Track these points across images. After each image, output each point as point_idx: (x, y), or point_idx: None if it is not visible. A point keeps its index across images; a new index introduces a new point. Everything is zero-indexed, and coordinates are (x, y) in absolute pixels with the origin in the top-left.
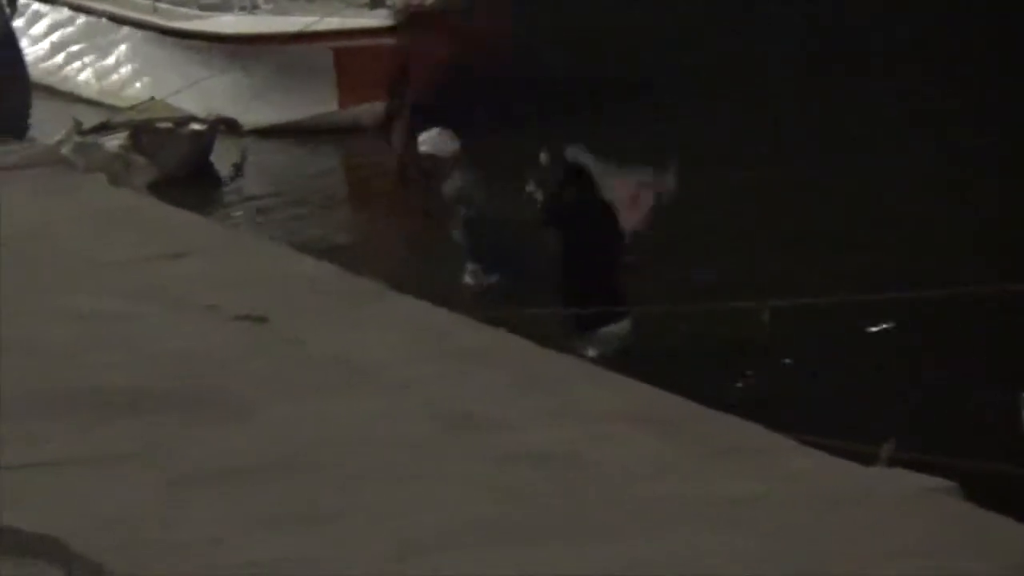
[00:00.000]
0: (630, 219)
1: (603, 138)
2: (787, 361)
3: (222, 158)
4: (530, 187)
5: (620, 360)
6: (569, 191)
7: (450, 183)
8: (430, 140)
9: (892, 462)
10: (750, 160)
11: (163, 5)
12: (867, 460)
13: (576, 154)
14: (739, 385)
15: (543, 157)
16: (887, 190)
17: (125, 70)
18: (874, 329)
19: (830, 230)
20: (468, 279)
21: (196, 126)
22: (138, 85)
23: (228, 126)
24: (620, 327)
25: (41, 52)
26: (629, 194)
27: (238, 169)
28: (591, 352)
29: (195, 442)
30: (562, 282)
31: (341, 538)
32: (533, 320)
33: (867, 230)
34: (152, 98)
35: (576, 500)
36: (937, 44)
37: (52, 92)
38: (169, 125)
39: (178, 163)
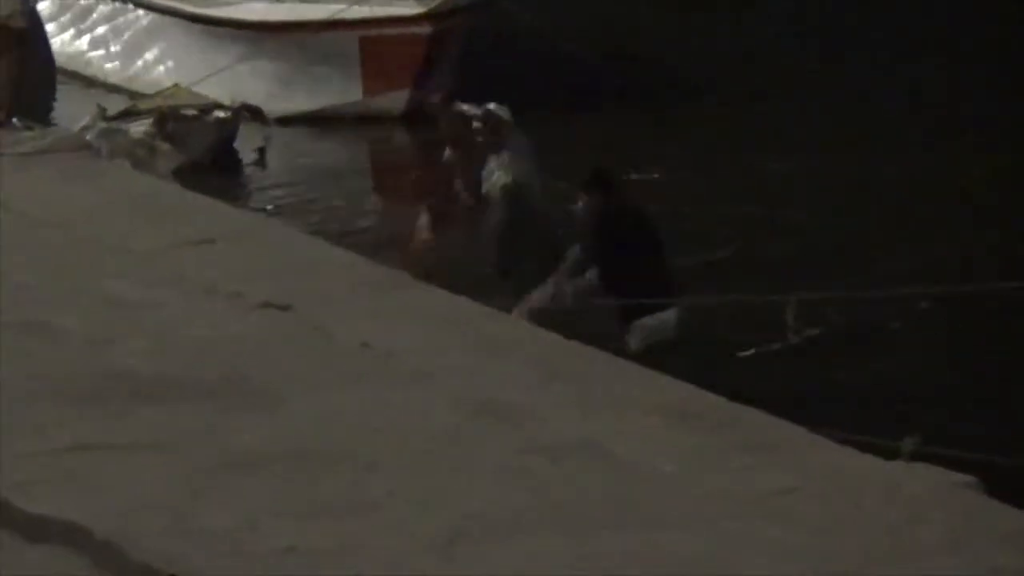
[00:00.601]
0: None
1: None
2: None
3: (246, 145)
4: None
5: (660, 352)
6: (595, 199)
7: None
8: (492, 107)
9: (915, 457)
10: None
11: None
12: (891, 455)
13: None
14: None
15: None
16: None
17: (151, 56)
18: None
19: None
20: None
21: (220, 113)
22: (163, 71)
23: (252, 113)
24: (665, 317)
25: (67, 37)
26: None
27: (262, 156)
28: (635, 343)
29: (222, 430)
30: (607, 284)
31: (379, 526)
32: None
33: None
34: (175, 85)
35: (607, 491)
36: None
37: (77, 77)
38: (194, 112)
39: (203, 150)
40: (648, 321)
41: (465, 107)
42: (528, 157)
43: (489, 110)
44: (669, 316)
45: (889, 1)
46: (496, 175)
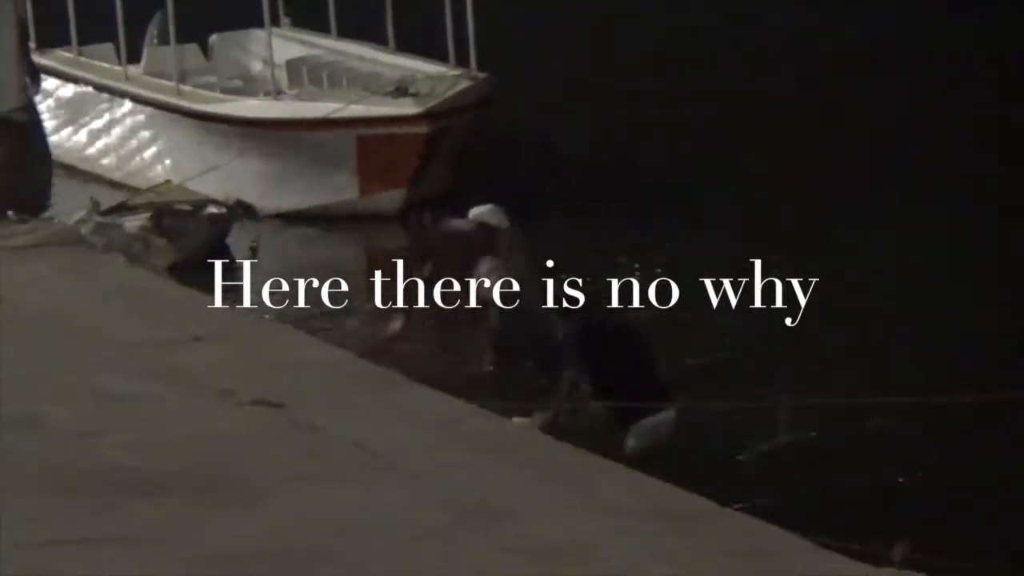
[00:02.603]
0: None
1: None
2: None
3: (238, 242)
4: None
5: (652, 455)
6: (579, 319)
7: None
8: (486, 212)
9: (905, 564)
10: None
11: (187, 88)
12: (882, 562)
13: (487, 214)
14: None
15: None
16: None
17: (147, 151)
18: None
19: None
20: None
21: (214, 209)
22: (159, 167)
23: (245, 210)
24: (662, 419)
25: (63, 130)
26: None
27: (254, 253)
28: (631, 445)
29: (208, 526)
30: (600, 392)
31: None
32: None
33: None
34: (167, 181)
35: None
36: None
37: (72, 171)
38: (189, 207)
39: (198, 246)
40: (645, 423)
41: (453, 221)
42: (523, 259)
43: (481, 221)
44: (666, 418)
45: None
46: (490, 279)
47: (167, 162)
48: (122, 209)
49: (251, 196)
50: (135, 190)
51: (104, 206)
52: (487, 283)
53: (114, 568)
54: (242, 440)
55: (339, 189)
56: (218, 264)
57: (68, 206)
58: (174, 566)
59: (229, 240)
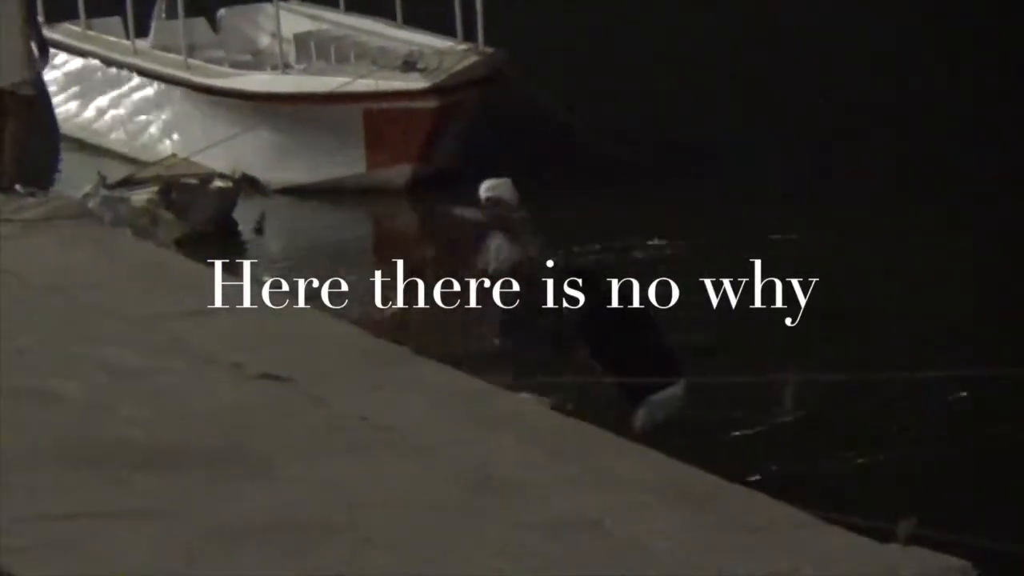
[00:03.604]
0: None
1: None
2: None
3: (244, 216)
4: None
5: (660, 430)
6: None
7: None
8: (498, 186)
9: (910, 540)
10: None
11: (195, 62)
12: (887, 537)
13: (498, 188)
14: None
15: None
16: None
17: (155, 125)
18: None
19: None
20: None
21: (220, 183)
22: (167, 141)
23: (250, 184)
24: (671, 393)
25: (71, 104)
26: None
27: (260, 227)
28: (642, 420)
29: (218, 499)
30: (608, 368)
31: None
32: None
33: None
34: (174, 155)
35: (603, 567)
36: None
37: (80, 144)
38: (196, 181)
39: (206, 219)
40: (654, 399)
41: (462, 210)
42: (532, 236)
43: (491, 196)
44: (675, 392)
45: None
46: (500, 255)
47: (175, 136)
48: (129, 183)
49: (259, 170)
50: (142, 164)
51: (111, 180)
52: (496, 260)
53: (126, 540)
54: (251, 413)
55: (347, 163)
56: (224, 237)
57: (76, 180)
58: (185, 538)
59: (236, 214)
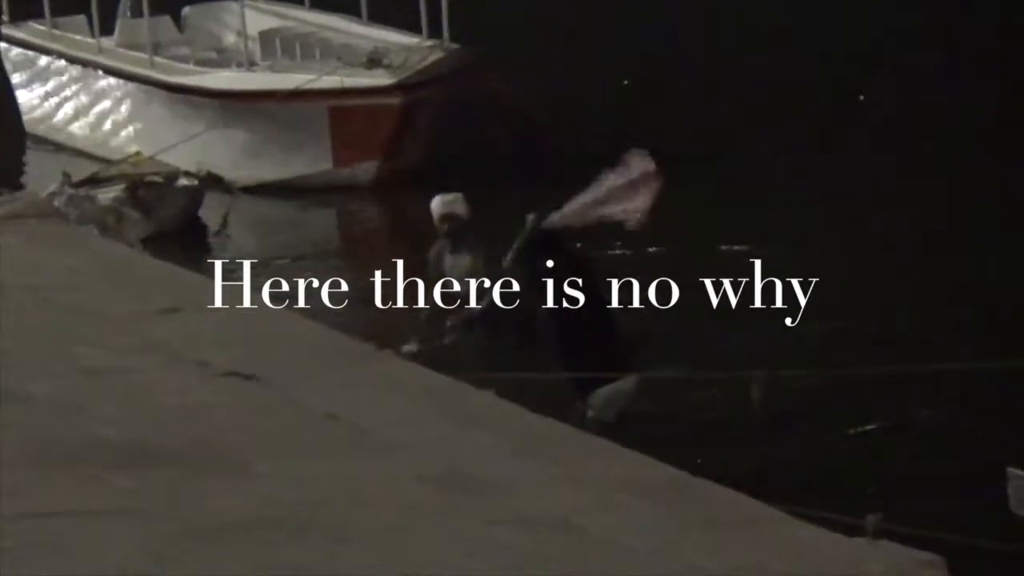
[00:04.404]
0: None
1: None
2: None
3: (210, 214)
4: (505, 261)
5: (623, 424)
6: (543, 259)
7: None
8: (445, 204)
9: (879, 534)
10: None
11: (161, 60)
12: (854, 531)
13: (448, 205)
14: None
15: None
16: None
17: (120, 123)
18: None
19: None
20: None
21: (185, 181)
22: (132, 139)
23: (215, 182)
24: (623, 386)
25: (35, 101)
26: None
27: (224, 225)
28: (592, 414)
29: (190, 498)
30: (556, 348)
31: None
32: (533, 384)
33: None
34: (138, 152)
35: (567, 567)
36: None
37: (44, 142)
38: (161, 179)
39: (172, 218)
40: (605, 391)
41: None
42: (479, 247)
43: (444, 213)
44: (627, 385)
45: None
46: (445, 265)
47: (140, 134)
48: (94, 181)
49: (225, 168)
50: (107, 162)
51: (76, 178)
52: (440, 269)
53: (100, 540)
54: (220, 412)
55: (313, 160)
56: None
57: (40, 178)
58: (159, 538)
59: (201, 212)
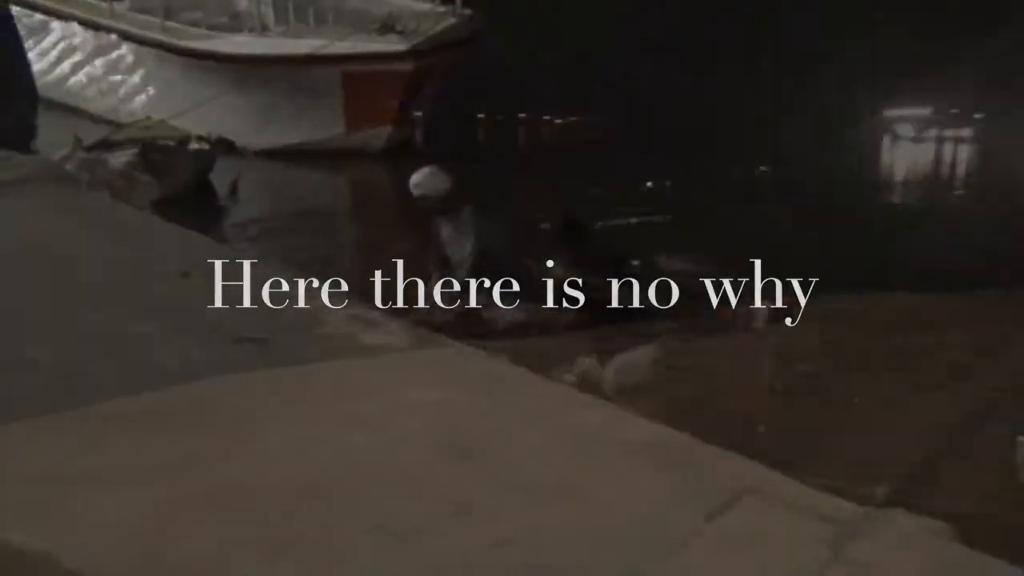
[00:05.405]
0: None
1: None
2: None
3: (221, 178)
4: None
5: (635, 392)
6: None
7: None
8: (422, 181)
9: (888, 502)
10: None
11: (173, 24)
12: (864, 499)
13: (427, 182)
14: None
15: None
16: None
17: (132, 87)
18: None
19: None
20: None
21: (195, 145)
22: (144, 103)
23: (225, 146)
24: (639, 356)
25: (47, 65)
26: None
27: (234, 190)
28: (610, 381)
29: (195, 462)
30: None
31: (352, 563)
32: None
33: None
34: (149, 117)
35: (585, 531)
36: None
37: (57, 106)
38: (173, 143)
39: (183, 182)
40: (622, 359)
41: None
42: (474, 220)
43: (424, 194)
44: (643, 355)
45: None
46: (462, 243)
47: (152, 98)
48: (105, 144)
49: (237, 133)
50: (118, 126)
51: (88, 142)
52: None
53: (104, 502)
54: (228, 376)
55: (325, 126)
56: (201, 199)
57: (52, 141)
58: (163, 501)
59: (212, 176)
